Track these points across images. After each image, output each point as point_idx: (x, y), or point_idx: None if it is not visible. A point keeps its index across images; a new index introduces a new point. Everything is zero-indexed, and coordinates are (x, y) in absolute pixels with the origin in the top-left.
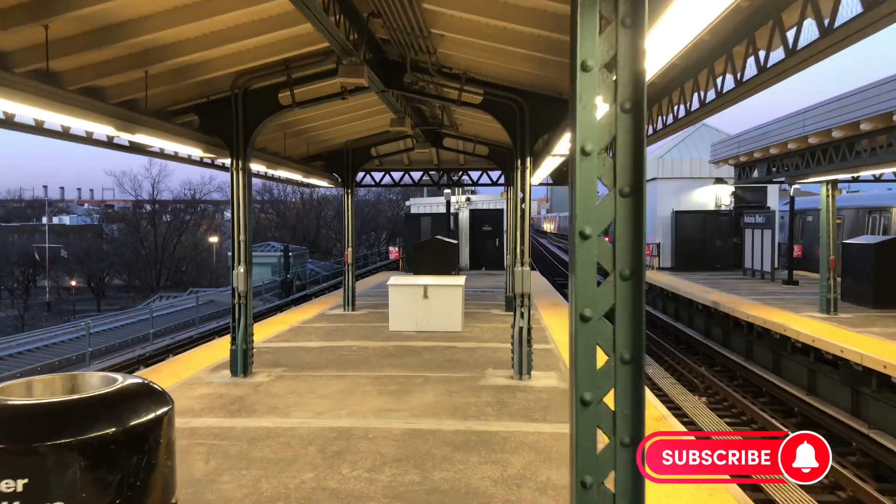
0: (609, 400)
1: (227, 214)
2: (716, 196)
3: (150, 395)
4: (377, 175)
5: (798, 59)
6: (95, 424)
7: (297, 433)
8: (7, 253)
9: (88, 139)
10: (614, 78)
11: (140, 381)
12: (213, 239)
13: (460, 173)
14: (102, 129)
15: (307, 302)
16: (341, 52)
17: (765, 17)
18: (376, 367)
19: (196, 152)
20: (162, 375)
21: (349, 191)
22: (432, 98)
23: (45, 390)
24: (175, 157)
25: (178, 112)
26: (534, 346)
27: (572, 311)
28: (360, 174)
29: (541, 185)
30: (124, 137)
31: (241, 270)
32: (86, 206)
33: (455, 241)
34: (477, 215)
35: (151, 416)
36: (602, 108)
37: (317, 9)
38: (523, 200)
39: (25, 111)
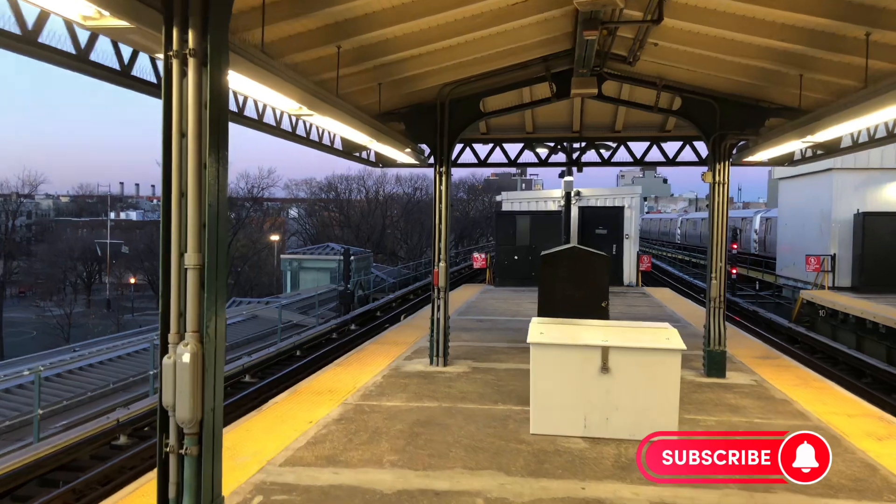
0: None
1: (292, 212)
2: None
3: None
4: (481, 150)
5: None
6: None
7: None
8: (70, 248)
9: None
10: None
11: None
12: (274, 237)
13: (616, 144)
14: None
15: (371, 340)
16: None
17: None
18: None
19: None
20: None
21: (443, 170)
22: None
23: None
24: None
25: None
26: None
27: None
28: (458, 147)
29: (757, 164)
30: None
31: (180, 358)
32: (154, 201)
33: (605, 254)
34: (588, 214)
35: None
36: None
37: None
38: None
39: None
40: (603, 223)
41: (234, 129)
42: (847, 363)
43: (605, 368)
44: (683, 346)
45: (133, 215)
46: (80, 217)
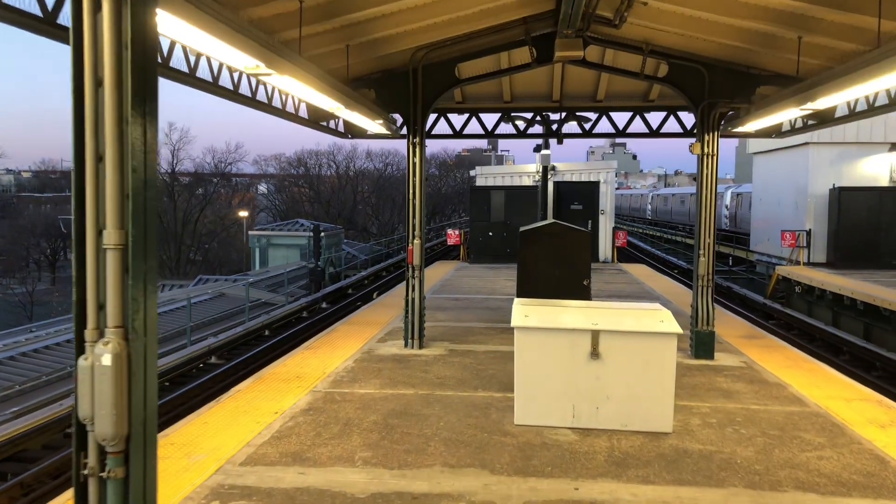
0: None
1: (261, 188)
2: (892, 167)
3: None
4: (456, 121)
5: None
6: None
7: None
8: (33, 224)
9: None
10: None
11: None
12: (243, 213)
13: (597, 115)
14: None
15: (343, 320)
16: None
17: None
18: None
19: None
20: None
21: (417, 141)
22: None
23: None
24: None
25: None
26: None
27: None
28: (432, 117)
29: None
30: None
31: (99, 360)
32: None
33: (586, 231)
34: (564, 189)
35: None
36: None
37: None
38: None
39: None
40: (578, 199)
41: (192, 97)
42: (824, 340)
43: (594, 354)
44: (679, 330)
45: None
46: (42, 193)
